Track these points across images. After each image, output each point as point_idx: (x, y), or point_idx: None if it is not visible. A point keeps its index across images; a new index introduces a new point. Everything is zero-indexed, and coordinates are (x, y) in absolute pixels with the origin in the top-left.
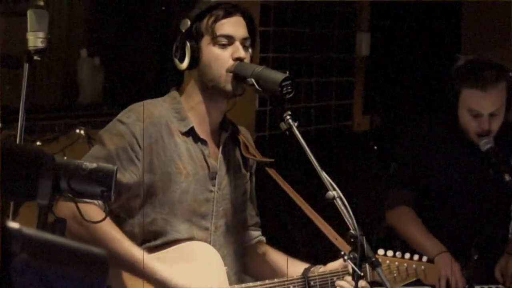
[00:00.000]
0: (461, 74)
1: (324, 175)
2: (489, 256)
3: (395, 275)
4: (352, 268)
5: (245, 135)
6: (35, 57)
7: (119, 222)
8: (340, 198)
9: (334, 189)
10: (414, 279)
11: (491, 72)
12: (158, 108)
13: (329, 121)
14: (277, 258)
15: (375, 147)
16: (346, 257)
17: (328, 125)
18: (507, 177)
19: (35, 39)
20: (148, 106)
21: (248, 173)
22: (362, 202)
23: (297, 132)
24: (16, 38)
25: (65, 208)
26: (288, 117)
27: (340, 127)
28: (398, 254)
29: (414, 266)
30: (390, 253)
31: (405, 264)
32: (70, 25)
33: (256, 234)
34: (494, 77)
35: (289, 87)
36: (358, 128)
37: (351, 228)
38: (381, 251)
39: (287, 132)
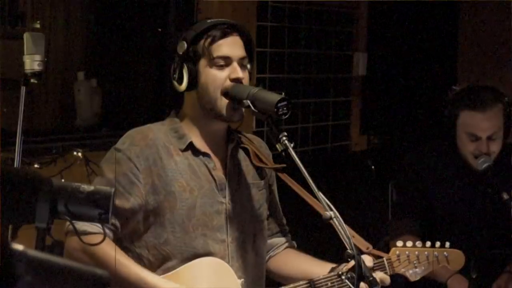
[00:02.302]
0: (458, 97)
1: (320, 195)
2: (488, 275)
3: (415, 265)
4: None
5: (258, 146)
6: (32, 80)
7: (129, 250)
8: (337, 218)
9: (331, 209)
10: (438, 267)
11: (488, 94)
12: (153, 131)
13: (326, 141)
14: (304, 261)
15: (373, 167)
16: (343, 277)
17: (326, 145)
18: (505, 196)
19: (32, 62)
20: (143, 129)
21: (264, 181)
22: (359, 221)
23: (293, 153)
24: (13, 61)
25: (74, 242)
26: (284, 138)
27: (337, 147)
28: (418, 243)
29: (435, 253)
30: (409, 243)
31: (426, 253)
32: (67, 47)
33: (282, 240)
34: (492, 99)
35: (285, 108)
36: (355, 148)
37: (348, 248)
38: (399, 243)
39: (284, 153)
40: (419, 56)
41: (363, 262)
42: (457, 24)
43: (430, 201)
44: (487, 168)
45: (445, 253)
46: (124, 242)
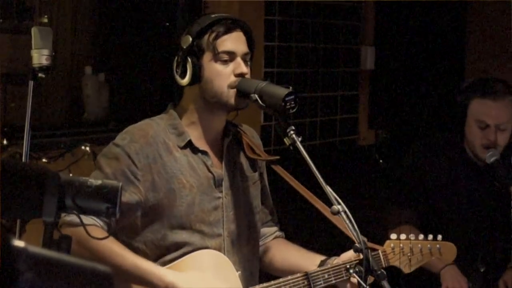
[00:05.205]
0: (470, 87)
1: (328, 189)
2: (496, 269)
3: (409, 257)
4: (358, 282)
5: (250, 136)
6: (40, 75)
7: (125, 244)
8: (345, 212)
9: (339, 203)
10: (431, 258)
11: (500, 85)
12: (153, 127)
13: (334, 135)
14: (294, 252)
15: (381, 161)
16: (351, 271)
17: (333, 139)
18: None
19: (40, 57)
20: (143, 126)
21: (257, 173)
22: (367, 215)
23: (301, 147)
24: (21, 56)
25: (68, 233)
26: (292, 132)
27: (345, 141)
28: (411, 236)
29: (428, 246)
30: (403, 236)
31: (419, 245)
32: (75, 42)
33: (271, 230)
34: (503, 90)
35: (292, 102)
36: (363, 142)
37: (356, 242)
38: (393, 235)
39: (292, 147)
40: (427, 50)
41: (371, 255)
42: (466, 18)
43: (433, 192)
44: (495, 161)
45: (437, 245)
46: (120, 236)
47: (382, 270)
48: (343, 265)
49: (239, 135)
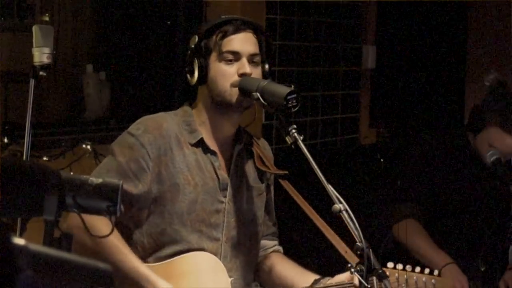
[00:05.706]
0: (492, 107)
1: (330, 188)
2: (496, 268)
3: (403, 287)
4: (359, 281)
5: (262, 147)
6: (41, 73)
7: (128, 233)
8: (346, 211)
9: (340, 202)
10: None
11: None
12: (167, 120)
13: (335, 134)
14: (289, 269)
15: (382, 160)
16: (353, 269)
17: (335, 138)
18: None
19: (41, 55)
20: (157, 118)
21: (264, 185)
22: (368, 214)
23: (302, 146)
24: (22, 54)
25: (74, 219)
26: (293, 130)
27: (346, 140)
28: (408, 267)
29: (424, 279)
30: (399, 266)
31: (415, 277)
32: (76, 40)
33: (271, 243)
34: None
35: (294, 101)
36: (364, 141)
37: (357, 241)
38: (390, 264)
39: (293, 146)
40: (428, 49)
41: (372, 255)
42: (466, 17)
43: (436, 188)
44: (495, 161)
45: (433, 280)
46: (121, 226)
47: (384, 269)
48: (335, 286)
49: (251, 144)
